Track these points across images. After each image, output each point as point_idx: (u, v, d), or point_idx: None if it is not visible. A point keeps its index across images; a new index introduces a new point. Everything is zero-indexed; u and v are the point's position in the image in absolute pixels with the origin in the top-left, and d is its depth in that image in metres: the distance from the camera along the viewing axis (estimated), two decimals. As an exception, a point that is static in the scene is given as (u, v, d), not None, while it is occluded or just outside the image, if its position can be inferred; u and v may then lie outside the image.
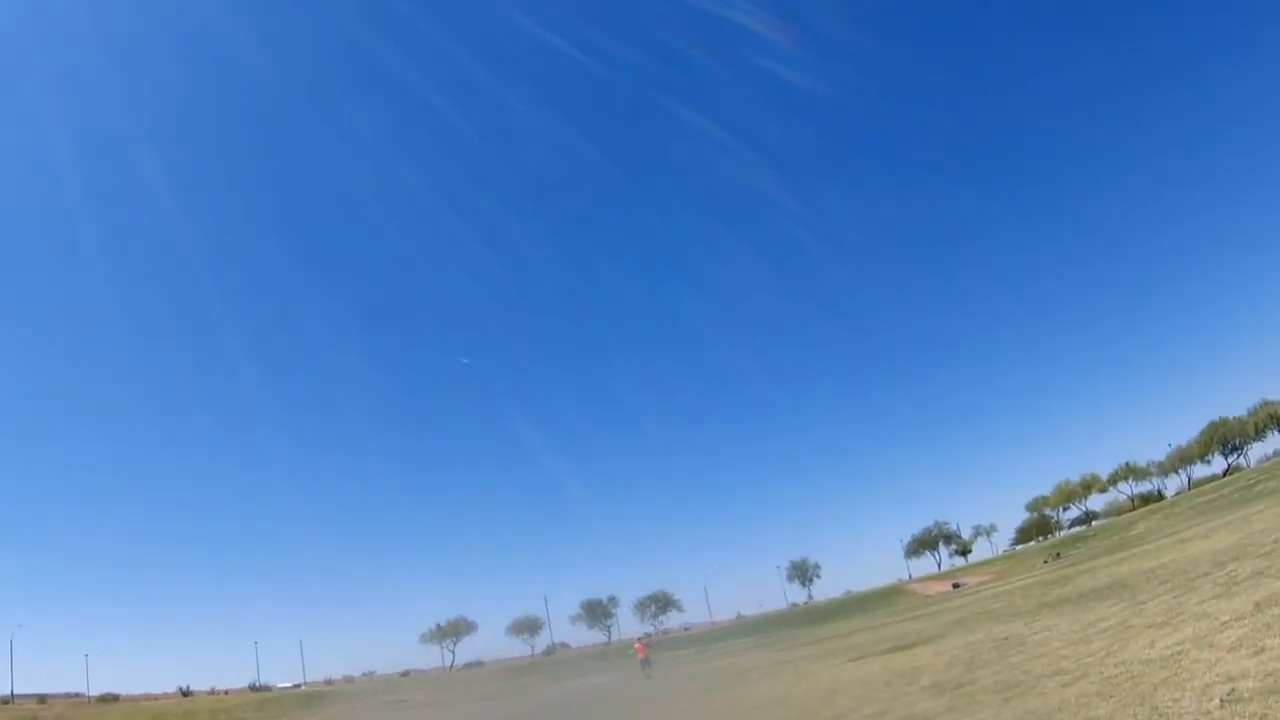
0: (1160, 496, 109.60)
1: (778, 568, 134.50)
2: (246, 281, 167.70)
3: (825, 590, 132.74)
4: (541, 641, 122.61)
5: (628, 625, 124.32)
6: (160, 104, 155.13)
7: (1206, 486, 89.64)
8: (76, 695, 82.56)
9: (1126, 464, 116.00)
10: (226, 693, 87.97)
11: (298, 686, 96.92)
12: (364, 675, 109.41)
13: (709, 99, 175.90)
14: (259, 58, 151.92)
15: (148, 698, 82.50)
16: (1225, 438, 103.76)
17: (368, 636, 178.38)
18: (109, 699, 79.66)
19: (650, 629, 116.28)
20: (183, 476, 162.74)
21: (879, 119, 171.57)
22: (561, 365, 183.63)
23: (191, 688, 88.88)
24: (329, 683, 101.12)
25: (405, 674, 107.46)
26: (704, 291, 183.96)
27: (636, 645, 50.90)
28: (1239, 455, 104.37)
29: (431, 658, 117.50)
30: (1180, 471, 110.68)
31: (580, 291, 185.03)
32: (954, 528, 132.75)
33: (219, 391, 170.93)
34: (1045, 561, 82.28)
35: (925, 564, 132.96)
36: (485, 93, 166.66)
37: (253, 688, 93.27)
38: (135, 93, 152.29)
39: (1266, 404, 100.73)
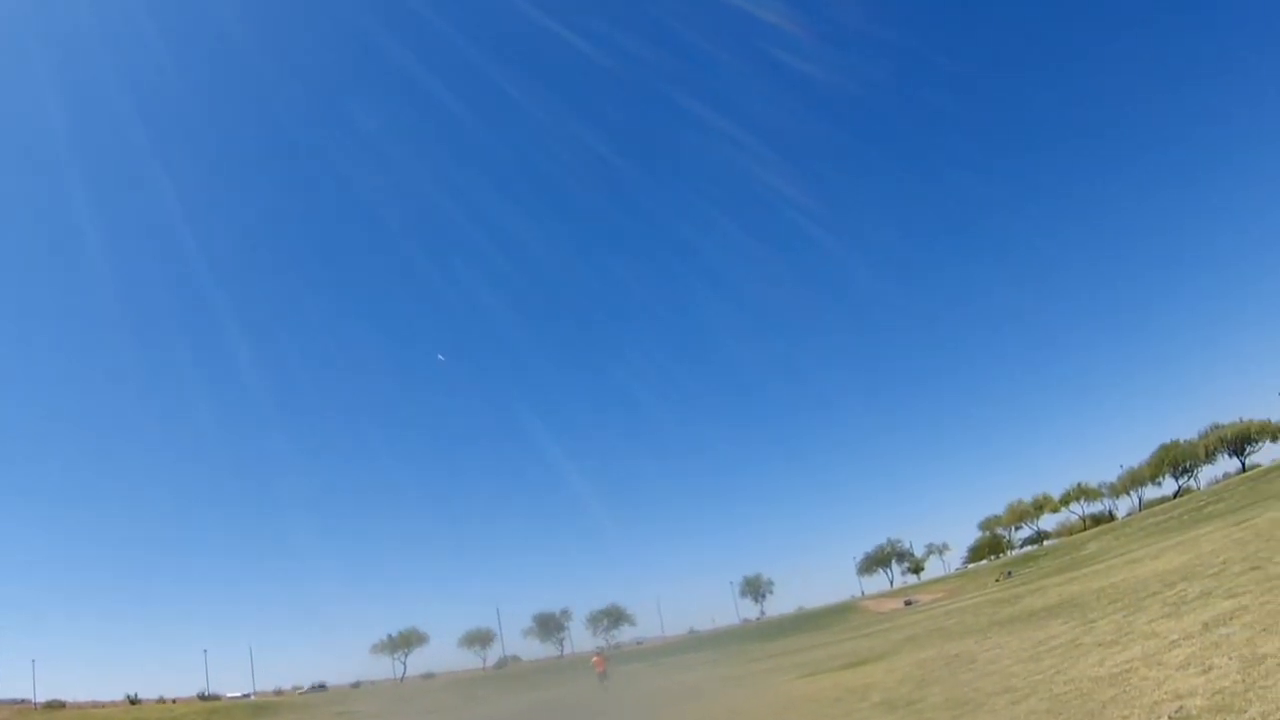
0: (1111, 517, 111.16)
1: (731, 583, 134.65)
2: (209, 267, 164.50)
3: (778, 606, 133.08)
4: (493, 654, 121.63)
5: (580, 639, 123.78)
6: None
7: (1157, 508, 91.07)
8: (23, 701, 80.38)
9: (1078, 485, 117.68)
10: (175, 701, 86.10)
11: (247, 696, 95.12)
12: (314, 686, 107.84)
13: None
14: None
15: (95, 705, 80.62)
16: (1176, 460, 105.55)
17: (318, 647, 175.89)
18: (55, 706, 77.78)
19: (603, 643, 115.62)
20: (132, 481, 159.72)
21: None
22: (518, 379, 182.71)
23: (139, 695, 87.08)
24: (279, 693, 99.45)
25: (356, 685, 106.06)
26: (660, 305, 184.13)
27: (595, 658, 50.26)
28: (1189, 478, 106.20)
29: (383, 669, 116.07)
30: (1131, 493, 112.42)
31: (556, 298, 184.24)
32: (907, 546, 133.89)
33: (168, 393, 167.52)
34: (997, 580, 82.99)
35: (878, 581, 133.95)
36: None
37: (201, 697, 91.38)
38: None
39: (1216, 428, 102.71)
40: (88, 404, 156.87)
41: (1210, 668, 9.06)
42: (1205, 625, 11.33)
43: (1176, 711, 7.92)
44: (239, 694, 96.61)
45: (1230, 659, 9.06)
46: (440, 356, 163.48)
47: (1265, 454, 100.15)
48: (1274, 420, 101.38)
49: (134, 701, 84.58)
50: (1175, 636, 11.42)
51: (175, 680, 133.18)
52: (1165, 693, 8.78)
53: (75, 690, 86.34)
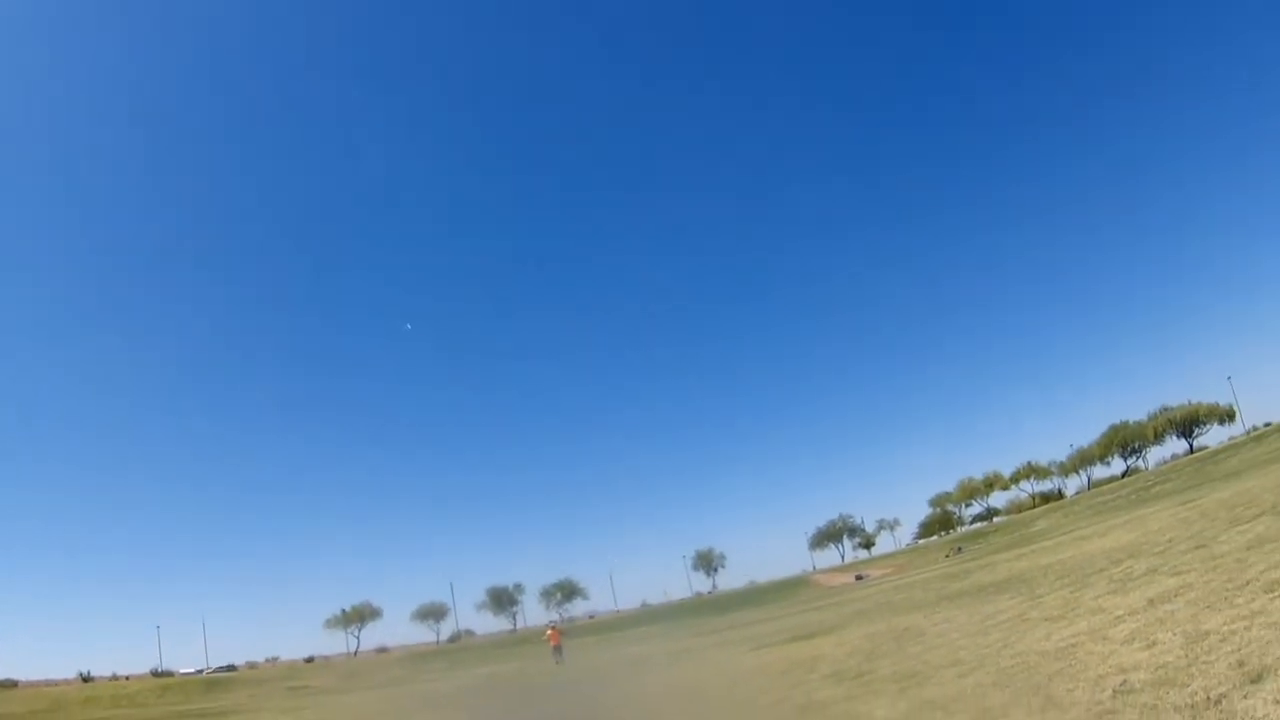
0: (1060, 495, 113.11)
1: (683, 557, 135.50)
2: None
3: (730, 580, 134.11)
4: (447, 628, 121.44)
5: (533, 613, 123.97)
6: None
7: (1106, 487, 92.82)
8: (-27, 681, 79.05)
9: (1028, 463, 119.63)
10: (128, 678, 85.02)
11: (200, 672, 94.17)
12: (267, 660, 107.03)
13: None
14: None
15: (47, 683, 79.37)
16: (1125, 441, 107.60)
17: (272, 621, 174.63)
18: (7, 685, 76.29)
19: (556, 617, 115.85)
20: (81, 457, 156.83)
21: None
22: (466, 350, 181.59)
23: (92, 673, 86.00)
24: (232, 668, 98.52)
25: (309, 660, 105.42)
26: (607, 273, 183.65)
27: (550, 631, 50.11)
28: (1138, 458, 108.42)
29: (336, 643, 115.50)
30: (1081, 472, 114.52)
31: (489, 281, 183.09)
32: (858, 521, 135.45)
33: (114, 367, 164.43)
34: (947, 556, 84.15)
35: (829, 556, 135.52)
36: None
37: (155, 673, 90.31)
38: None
39: (1165, 410, 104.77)
40: (28, 378, 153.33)
41: (1154, 643, 9.09)
42: (1150, 601, 11.41)
43: (1121, 685, 7.93)
44: (192, 670, 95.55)
45: (1174, 634, 9.09)
46: (408, 325, 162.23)
47: (1213, 436, 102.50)
48: (1222, 404, 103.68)
49: (87, 679, 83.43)
50: (1121, 612, 11.49)
51: (128, 657, 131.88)
52: (1110, 666, 8.80)
53: (27, 669, 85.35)
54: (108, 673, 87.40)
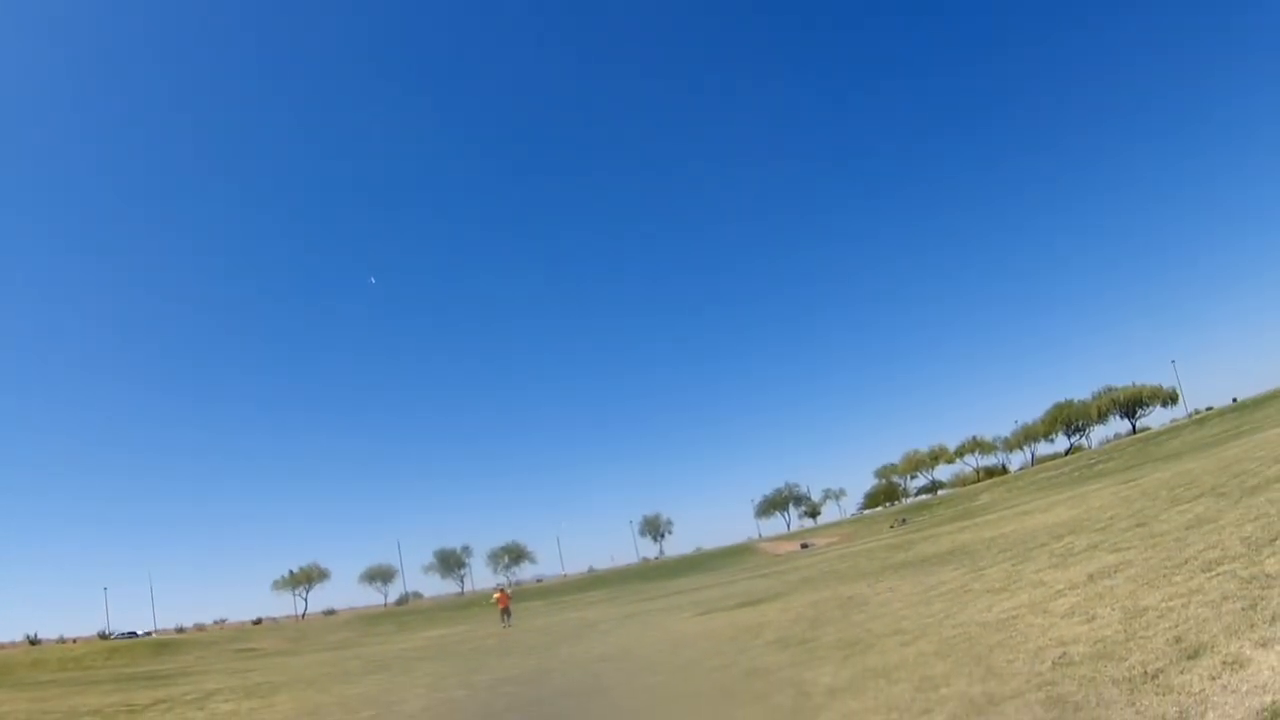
0: (1004, 470, 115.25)
1: (630, 522, 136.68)
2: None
3: (677, 546, 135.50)
4: (395, 591, 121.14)
5: (481, 576, 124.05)
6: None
7: (1049, 464, 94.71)
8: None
9: (974, 438, 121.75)
10: (75, 641, 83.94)
11: (148, 634, 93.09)
12: (216, 623, 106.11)
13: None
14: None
15: (-7, 646, 78.15)
16: (1069, 419, 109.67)
17: (220, 583, 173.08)
18: (-47, 648, 75.06)
19: (504, 580, 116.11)
20: (29, 421, 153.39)
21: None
22: (416, 314, 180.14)
23: (39, 635, 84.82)
24: (180, 630, 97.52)
25: (257, 622, 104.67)
26: (553, 240, 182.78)
27: (497, 595, 49.88)
28: (1081, 436, 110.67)
29: (284, 605, 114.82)
30: (1025, 448, 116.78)
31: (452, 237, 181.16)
32: (804, 490, 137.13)
33: (75, 342, 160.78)
34: (891, 527, 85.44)
35: (775, 524, 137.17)
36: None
37: (102, 635, 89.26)
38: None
39: (1110, 390, 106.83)
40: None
41: (1094, 617, 9.23)
42: (1090, 577, 11.60)
43: (1060, 657, 8.03)
44: (140, 632, 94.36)
45: (1113, 610, 9.24)
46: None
47: (1155, 418, 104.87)
48: (1166, 386, 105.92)
49: (34, 642, 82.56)
50: (1061, 586, 11.68)
51: (76, 620, 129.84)
52: (1049, 639, 8.93)
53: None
54: (55, 635, 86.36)
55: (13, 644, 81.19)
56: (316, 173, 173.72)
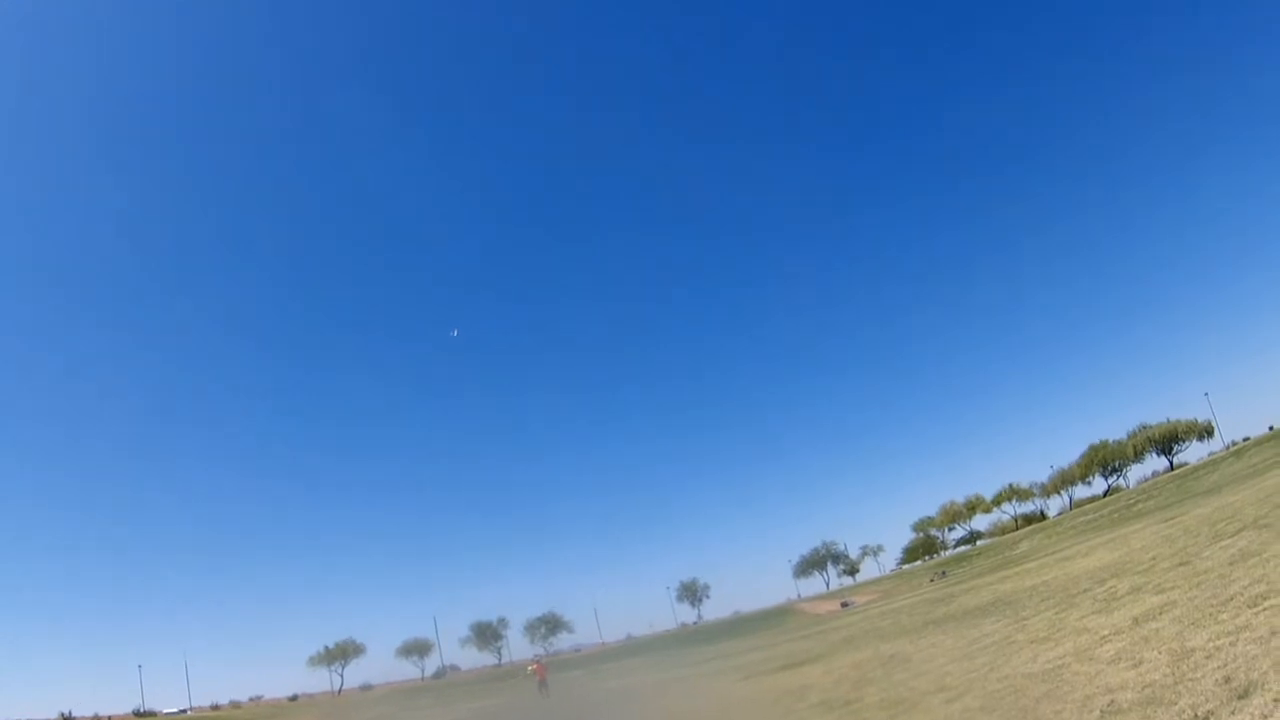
0: (1043, 516, 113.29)
1: (667, 588, 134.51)
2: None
3: (715, 610, 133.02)
4: (431, 664, 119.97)
5: (518, 647, 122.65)
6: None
7: (1087, 506, 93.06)
8: (-48, 722, 77.50)
9: (1010, 485, 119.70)
10: (110, 718, 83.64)
11: (183, 711, 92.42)
12: (251, 700, 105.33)
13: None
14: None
15: (28, 723, 77.95)
16: (1105, 460, 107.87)
17: (255, 660, 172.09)
18: (-13, 726, 75.06)
19: (541, 650, 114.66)
20: (61, 495, 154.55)
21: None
22: (448, 385, 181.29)
23: (74, 713, 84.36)
24: (215, 708, 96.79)
25: (294, 698, 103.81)
26: (583, 314, 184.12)
27: (534, 665, 49.57)
28: (1118, 476, 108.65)
29: (320, 681, 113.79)
30: (1062, 492, 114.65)
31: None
32: (842, 548, 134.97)
33: (99, 405, 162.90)
34: (931, 580, 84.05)
35: (814, 584, 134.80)
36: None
37: (137, 713, 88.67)
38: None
39: (1144, 428, 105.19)
40: (11, 408, 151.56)
41: (1140, 661, 9.09)
42: (1135, 620, 11.42)
43: (1108, 705, 7.91)
44: (175, 709, 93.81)
45: (1160, 653, 9.09)
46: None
47: (1192, 453, 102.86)
48: (1200, 420, 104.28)
49: (68, 719, 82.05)
50: (1106, 632, 11.50)
51: (110, 696, 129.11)
52: (1097, 687, 8.78)
53: (7, 709, 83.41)
54: (89, 712, 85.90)
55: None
56: (355, 249, 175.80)
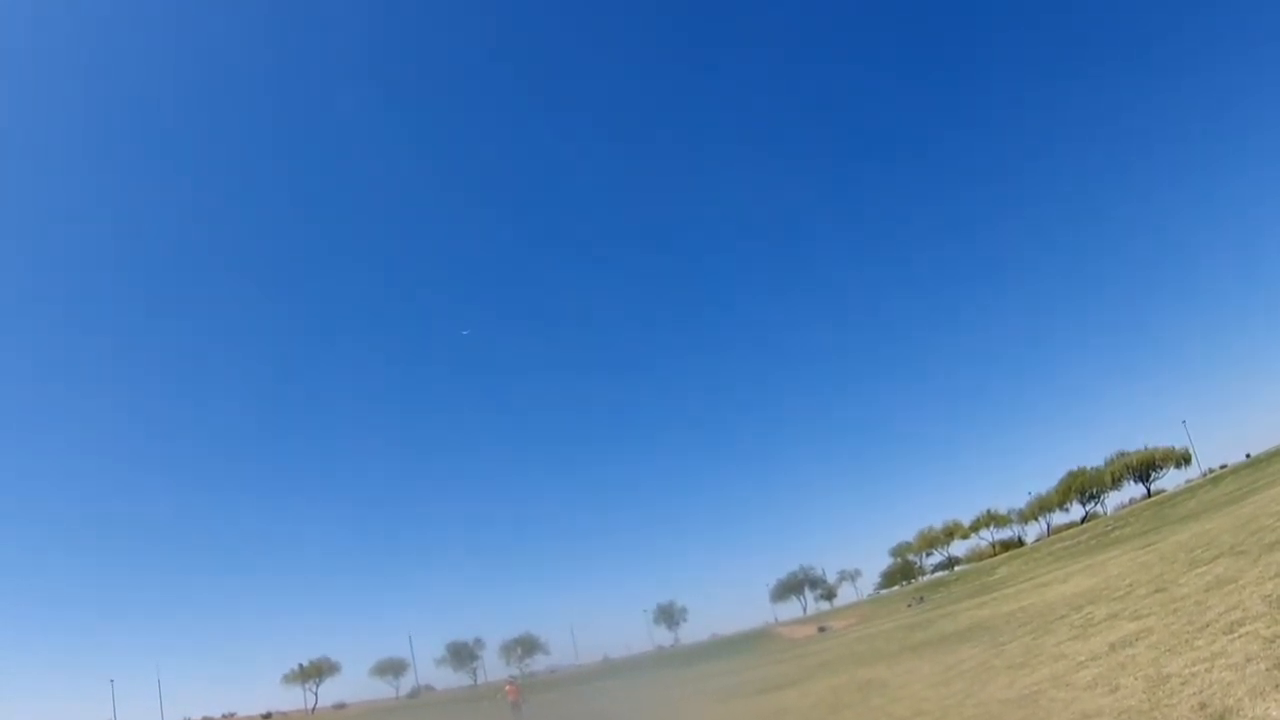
0: (1020, 543, 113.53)
1: (644, 610, 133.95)
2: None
3: (692, 633, 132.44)
4: (406, 683, 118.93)
5: (494, 668, 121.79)
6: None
7: (1065, 533, 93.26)
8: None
9: (988, 511, 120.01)
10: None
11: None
12: (224, 716, 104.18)
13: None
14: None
15: (-1, 738, 76.91)
16: (1083, 487, 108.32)
17: (229, 676, 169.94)
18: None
19: (517, 671, 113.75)
20: (34, 507, 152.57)
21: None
22: (425, 406, 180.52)
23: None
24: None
25: (267, 716, 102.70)
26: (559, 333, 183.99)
27: (507, 687, 49.03)
28: (1096, 503, 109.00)
29: (294, 699, 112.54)
30: (1040, 519, 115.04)
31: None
32: (819, 572, 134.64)
33: (83, 423, 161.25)
34: (909, 605, 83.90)
35: (791, 608, 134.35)
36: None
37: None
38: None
39: (1122, 455, 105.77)
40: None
41: (1117, 687, 9.06)
42: (1112, 646, 11.39)
43: (1085, 731, 7.86)
44: None
45: (1136, 679, 9.06)
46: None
47: (1169, 480, 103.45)
48: (1178, 447, 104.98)
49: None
50: (1083, 658, 11.46)
51: (82, 711, 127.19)
52: (1073, 713, 8.75)
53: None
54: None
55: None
56: (333, 265, 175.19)
